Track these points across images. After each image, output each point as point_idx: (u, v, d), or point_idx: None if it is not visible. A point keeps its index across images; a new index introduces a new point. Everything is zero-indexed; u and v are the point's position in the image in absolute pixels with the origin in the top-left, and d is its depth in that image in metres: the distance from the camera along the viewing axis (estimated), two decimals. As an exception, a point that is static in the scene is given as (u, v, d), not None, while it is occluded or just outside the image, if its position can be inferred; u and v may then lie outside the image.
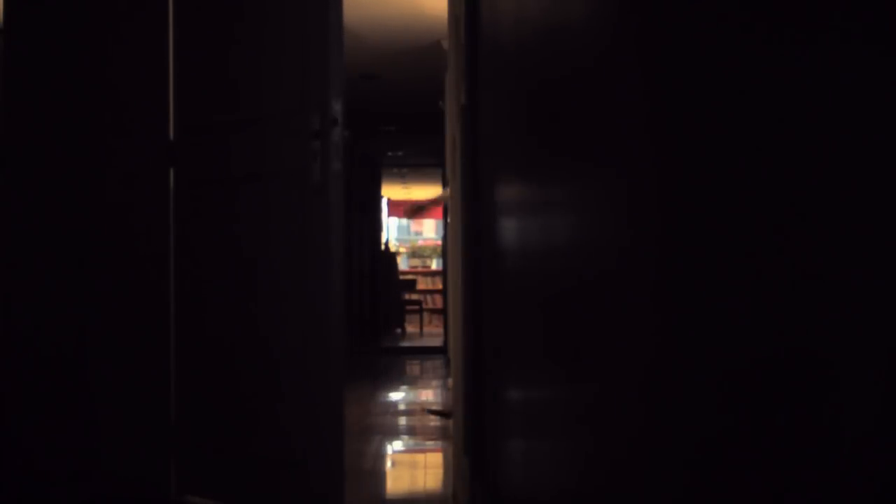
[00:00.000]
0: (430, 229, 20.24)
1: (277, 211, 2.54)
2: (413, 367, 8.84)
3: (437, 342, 10.78)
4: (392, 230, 18.79)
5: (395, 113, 9.65)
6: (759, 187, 0.50)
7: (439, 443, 4.36)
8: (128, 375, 2.59)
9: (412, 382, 7.60)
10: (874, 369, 0.38)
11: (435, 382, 7.28)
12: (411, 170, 14.12)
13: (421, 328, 13.90)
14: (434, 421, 5.16)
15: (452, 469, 3.07)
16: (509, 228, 1.68)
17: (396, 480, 3.73)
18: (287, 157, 2.51)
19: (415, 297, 14.65)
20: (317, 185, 2.45)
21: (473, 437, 2.47)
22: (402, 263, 16.49)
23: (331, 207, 2.47)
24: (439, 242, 14.53)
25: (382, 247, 12.96)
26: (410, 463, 4.16)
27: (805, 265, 0.44)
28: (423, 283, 15.45)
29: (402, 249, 18.19)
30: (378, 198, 12.48)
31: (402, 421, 5.24)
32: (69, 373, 2.57)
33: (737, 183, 0.53)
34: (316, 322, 2.45)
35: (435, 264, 16.66)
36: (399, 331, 13.40)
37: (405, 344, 11.51)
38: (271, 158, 2.54)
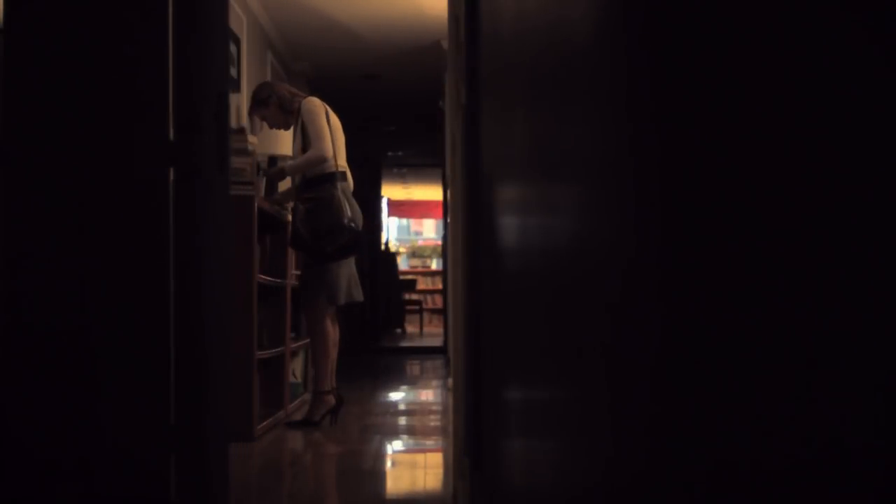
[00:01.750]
0: (430, 229, 20.25)
1: (221, 205, 2.61)
2: (413, 367, 8.84)
3: (437, 342, 10.78)
4: (392, 230, 18.80)
5: (395, 113, 9.66)
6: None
7: (439, 443, 4.36)
8: (128, 374, 2.59)
9: (412, 382, 7.60)
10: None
11: (435, 382, 7.28)
12: (411, 170, 14.13)
13: (421, 328, 13.91)
14: (434, 421, 5.16)
15: (452, 469, 3.07)
16: (509, 228, 1.68)
17: (396, 480, 3.73)
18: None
19: (415, 297, 14.66)
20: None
21: (473, 437, 2.47)
22: (402, 263, 16.49)
23: (218, 202, 2.51)
24: (439, 242, 14.53)
25: (382, 247, 12.97)
26: (410, 463, 4.16)
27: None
28: (423, 283, 15.47)
29: (402, 249, 18.19)
30: (378, 198, 12.49)
31: (402, 421, 5.24)
32: (70, 371, 2.57)
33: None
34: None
35: (435, 264, 16.67)
36: (399, 331, 13.42)
37: (405, 344, 11.52)
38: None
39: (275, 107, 4.75)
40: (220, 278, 2.57)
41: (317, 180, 4.58)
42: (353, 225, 4.53)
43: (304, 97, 4.74)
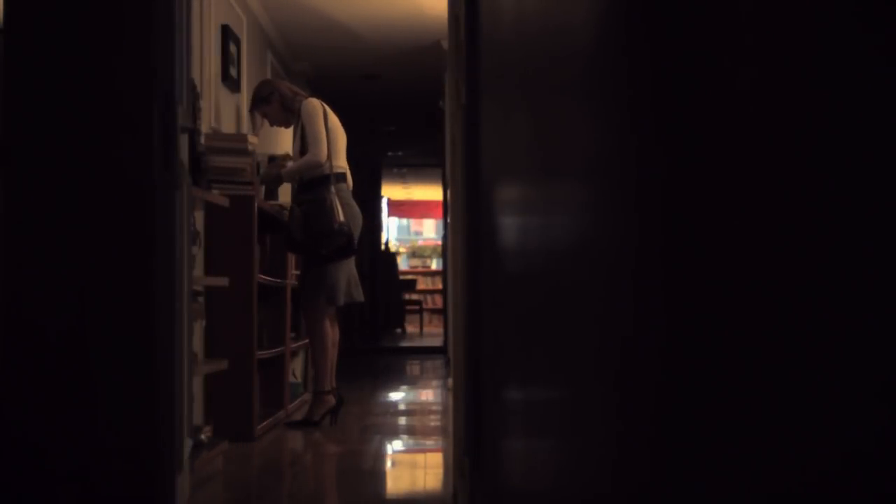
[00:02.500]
0: (430, 229, 20.24)
1: None
2: (413, 367, 8.84)
3: (437, 342, 10.77)
4: (392, 230, 18.79)
5: (395, 113, 9.65)
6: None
7: (439, 443, 4.36)
8: (121, 375, 2.58)
9: (412, 382, 7.60)
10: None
11: (435, 382, 7.28)
12: (411, 170, 14.13)
13: (421, 328, 13.90)
14: (434, 421, 5.16)
15: (452, 469, 3.07)
16: (509, 228, 1.68)
17: (396, 480, 3.73)
18: None
19: (415, 297, 14.65)
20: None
21: (473, 436, 2.47)
22: (402, 263, 16.48)
23: (162, 201, 2.52)
24: (439, 242, 14.53)
25: (382, 247, 12.97)
26: (410, 463, 4.16)
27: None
28: (423, 283, 15.46)
29: (402, 249, 18.19)
30: (378, 198, 12.49)
31: (402, 421, 5.24)
32: (68, 370, 2.56)
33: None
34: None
35: (435, 264, 16.66)
36: (399, 331, 13.41)
37: (405, 344, 11.51)
38: None
39: (277, 104, 4.76)
40: (171, 278, 2.53)
41: (313, 182, 4.60)
42: (345, 228, 4.54)
43: (305, 97, 4.75)
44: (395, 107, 9.29)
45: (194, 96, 3.72)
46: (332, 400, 4.68)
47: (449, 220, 4.10)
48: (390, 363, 9.11)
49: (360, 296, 4.79)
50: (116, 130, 2.52)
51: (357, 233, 4.65)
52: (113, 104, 2.53)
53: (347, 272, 4.70)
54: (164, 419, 2.50)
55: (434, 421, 5.17)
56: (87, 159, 2.54)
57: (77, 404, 2.51)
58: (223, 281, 3.83)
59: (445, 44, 6.17)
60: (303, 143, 4.65)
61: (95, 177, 2.53)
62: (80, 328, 2.52)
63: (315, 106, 4.66)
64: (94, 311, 2.52)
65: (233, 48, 5.13)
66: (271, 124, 4.93)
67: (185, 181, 2.64)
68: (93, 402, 2.52)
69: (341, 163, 4.72)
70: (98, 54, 2.55)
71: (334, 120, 4.75)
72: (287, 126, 4.90)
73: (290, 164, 4.78)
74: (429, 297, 15.18)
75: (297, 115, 4.70)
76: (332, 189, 4.57)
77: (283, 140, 5.32)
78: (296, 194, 4.73)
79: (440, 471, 3.69)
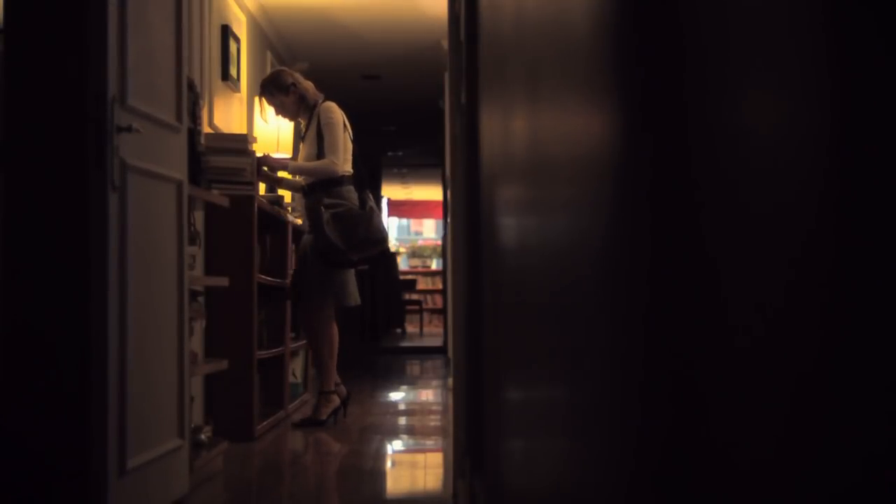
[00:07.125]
0: (430, 229, 20.25)
1: None
2: (413, 367, 8.84)
3: (437, 342, 10.77)
4: (392, 230, 18.79)
5: (395, 113, 9.66)
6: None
7: (439, 443, 4.36)
8: (59, 371, 2.56)
9: (412, 382, 7.60)
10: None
11: (435, 382, 7.28)
12: (411, 170, 14.14)
13: (421, 328, 13.90)
14: (434, 421, 5.17)
15: (452, 469, 3.07)
16: (509, 227, 1.68)
17: (396, 480, 3.73)
18: None
19: (415, 297, 14.65)
20: None
21: (473, 436, 2.47)
22: (402, 263, 16.48)
23: (96, 199, 2.49)
24: (439, 242, 14.53)
25: (382, 247, 12.94)
26: (410, 463, 4.16)
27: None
28: (423, 283, 15.46)
29: (402, 249, 18.19)
30: (378, 198, 12.50)
31: (402, 421, 5.24)
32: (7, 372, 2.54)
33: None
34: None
35: (435, 264, 16.66)
36: (399, 331, 13.41)
37: (405, 344, 11.51)
38: None
39: (294, 97, 4.68)
40: (104, 277, 2.48)
41: (332, 184, 4.56)
42: (386, 240, 4.70)
43: (323, 98, 4.71)
44: (395, 107, 9.30)
45: (194, 96, 3.72)
46: (337, 399, 4.69)
47: (449, 220, 4.11)
48: (390, 363, 9.11)
49: (357, 298, 4.78)
50: (52, 130, 2.52)
51: None
52: (49, 104, 2.53)
53: (352, 275, 4.72)
54: (97, 420, 2.46)
55: (434, 421, 5.17)
56: (26, 159, 2.54)
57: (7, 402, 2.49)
58: (223, 281, 3.83)
59: (445, 44, 6.17)
60: (319, 144, 4.56)
61: (32, 176, 2.53)
62: (16, 328, 2.50)
63: (337, 112, 4.62)
64: (30, 313, 2.50)
65: (233, 48, 5.13)
66: (277, 114, 4.81)
67: (108, 181, 2.53)
68: (24, 402, 2.49)
69: (349, 168, 4.69)
70: (34, 56, 2.55)
71: (349, 127, 4.73)
72: (293, 120, 4.85)
73: (280, 158, 4.84)
74: (429, 297, 15.18)
75: (315, 115, 4.63)
76: (370, 197, 4.65)
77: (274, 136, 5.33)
78: (317, 194, 4.57)
79: (440, 471, 3.69)
